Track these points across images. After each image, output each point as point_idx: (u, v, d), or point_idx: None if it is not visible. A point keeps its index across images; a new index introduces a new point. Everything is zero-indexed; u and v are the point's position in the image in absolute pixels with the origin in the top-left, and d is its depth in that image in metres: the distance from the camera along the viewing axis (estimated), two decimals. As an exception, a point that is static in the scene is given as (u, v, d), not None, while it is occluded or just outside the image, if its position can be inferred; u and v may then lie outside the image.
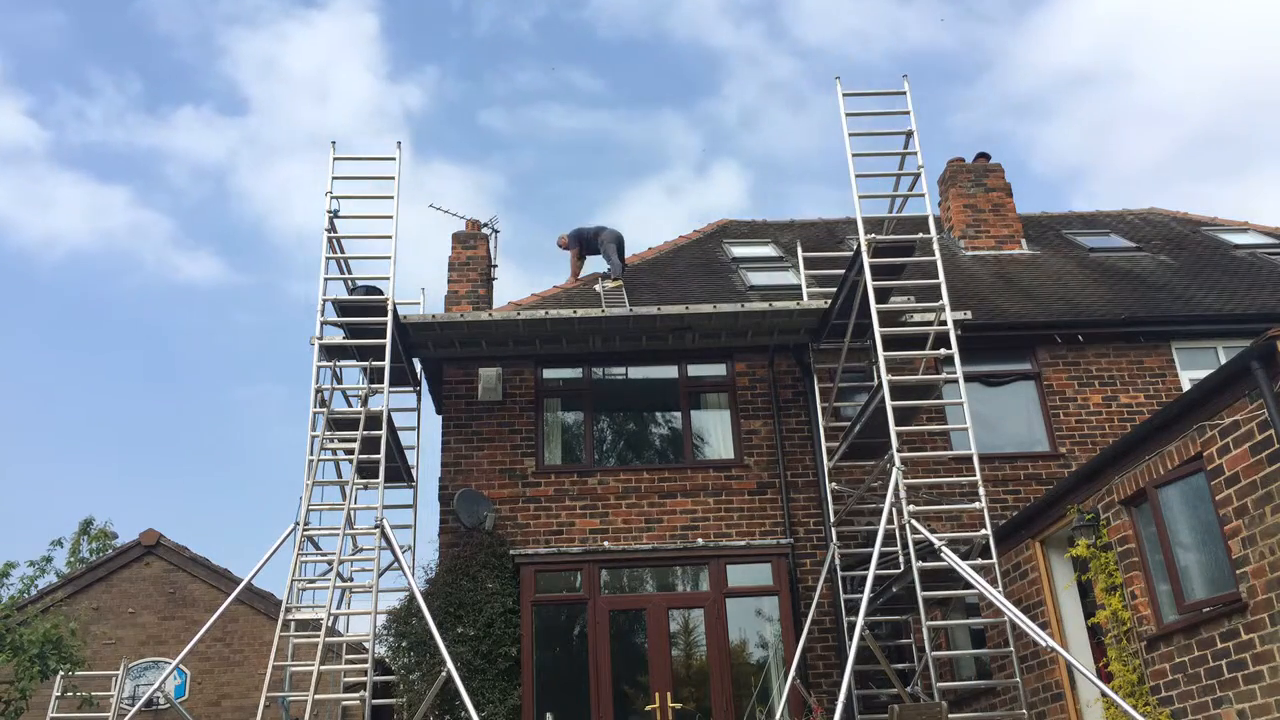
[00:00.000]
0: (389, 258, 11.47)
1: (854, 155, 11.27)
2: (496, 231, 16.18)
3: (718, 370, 13.30)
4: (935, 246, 10.87)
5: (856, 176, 11.17)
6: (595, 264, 15.01)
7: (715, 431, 13.15)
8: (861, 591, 9.47)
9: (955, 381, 10.51)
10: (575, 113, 76.76)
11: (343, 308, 11.37)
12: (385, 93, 76.20)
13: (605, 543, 12.07)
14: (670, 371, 13.34)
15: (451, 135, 77.96)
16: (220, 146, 66.04)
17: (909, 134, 11.28)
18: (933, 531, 9.55)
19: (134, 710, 10.35)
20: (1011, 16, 70.19)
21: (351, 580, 11.11)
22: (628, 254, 14.88)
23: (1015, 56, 70.76)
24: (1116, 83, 65.79)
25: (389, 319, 11.19)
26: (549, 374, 13.30)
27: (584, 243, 14.85)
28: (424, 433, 14.58)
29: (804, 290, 12.66)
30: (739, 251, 16.10)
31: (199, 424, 51.64)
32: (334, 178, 11.66)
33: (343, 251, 11.81)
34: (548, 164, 78.09)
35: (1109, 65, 64.68)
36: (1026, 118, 72.42)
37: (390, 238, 11.53)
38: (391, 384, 11.29)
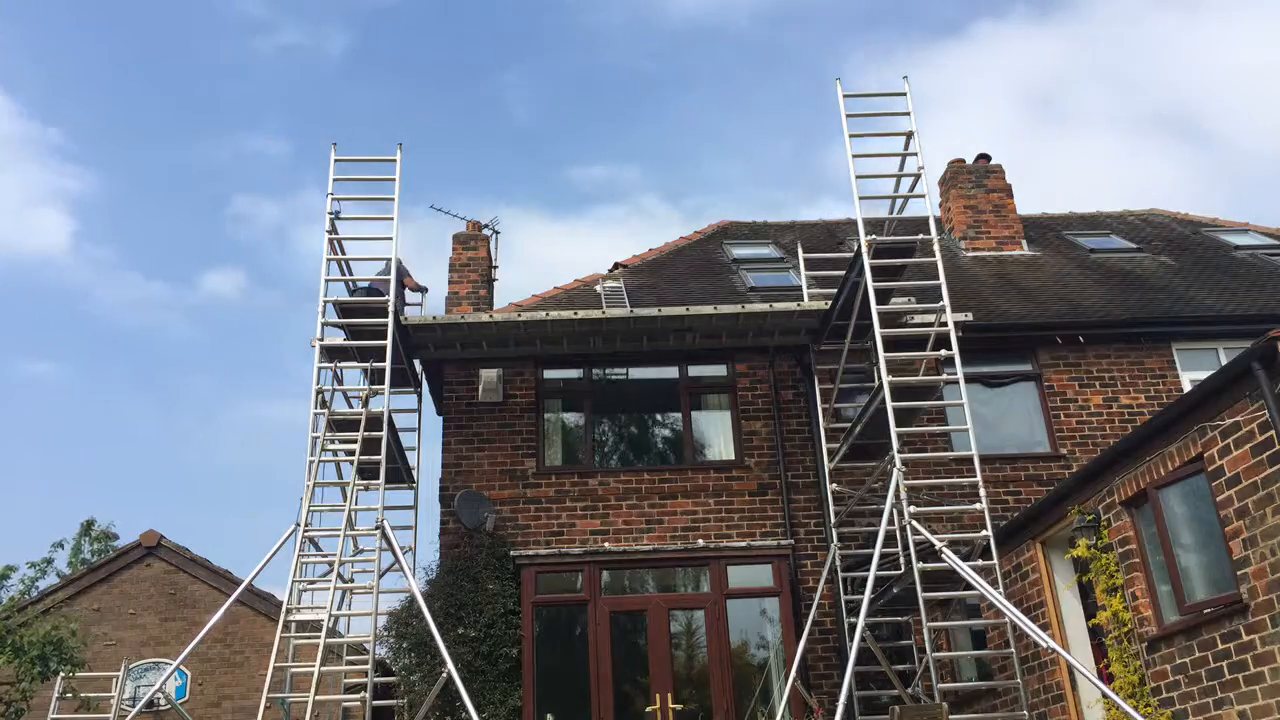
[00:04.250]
0: (390, 259, 11.47)
1: (854, 156, 11.27)
2: (497, 233, 16.21)
3: (718, 371, 13.31)
4: (936, 247, 10.86)
5: (857, 177, 11.17)
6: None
7: (716, 432, 13.15)
8: (862, 592, 9.47)
9: (956, 382, 10.51)
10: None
11: (343, 309, 11.38)
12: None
13: (606, 544, 12.07)
14: (671, 372, 13.34)
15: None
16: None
17: (909, 135, 11.28)
18: (933, 533, 9.55)
19: (134, 711, 10.35)
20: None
21: (352, 581, 11.11)
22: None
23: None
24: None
25: (390, 320, 11.20)
26: (549, 375, 13.31)
27: None
28: (425, 434, 14.58)
29: (805, 291, 12.65)
30: (740, 252, 16.11)
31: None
32: (334, 179, 11.67)
33: (343, 253, 11.82)
34: None
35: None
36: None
37: (391, 239, 11.54)
38: (392, 385, 11.29)
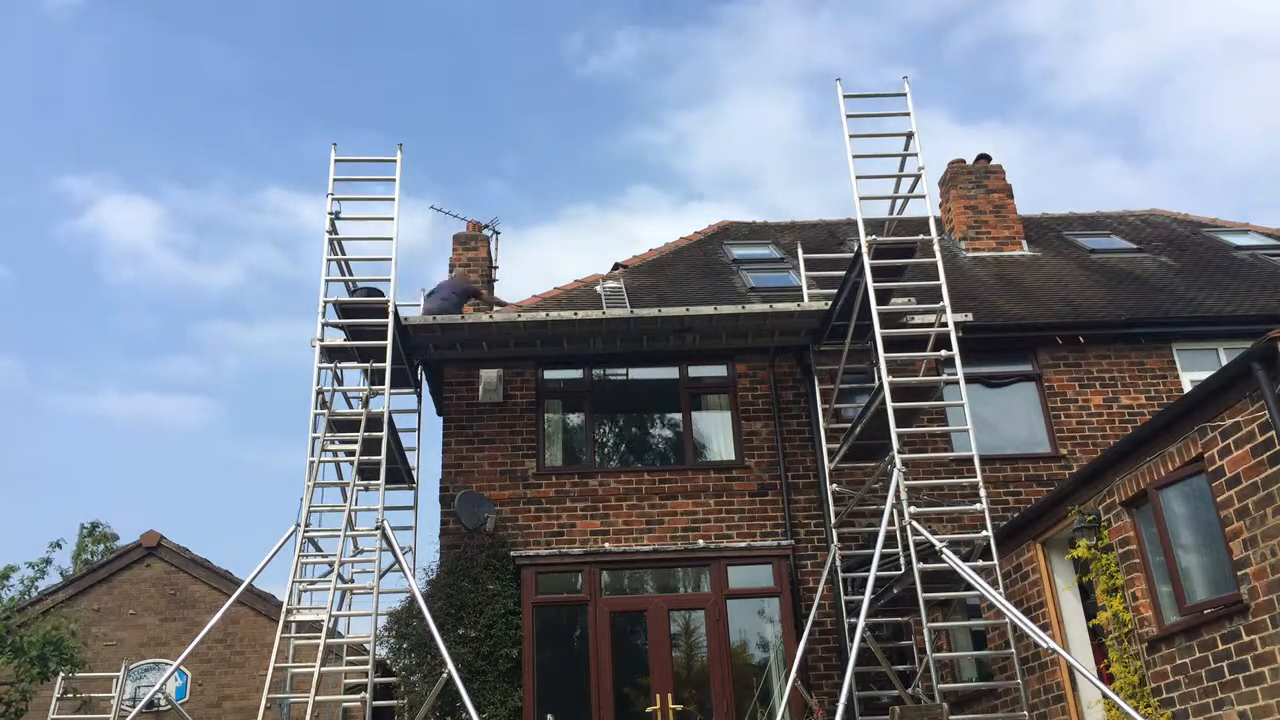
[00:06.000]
0: (390, 259, 11.47)
1: (854, 156, 11.27)
2: (497, 233, 16.20)
3: (718, 371, 13.30)
4: (936, 248, 10.86)
5: (857, 178, 11.17)
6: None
7: (716, 433, 13.15)
8: (862, 593, 9.46)
9: (956, 383, 10.51)
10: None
11: (343, 309, 11.38)
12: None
13: (606, 544, 12.07)
14: (671, 373, 13.34)
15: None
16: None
17: (909, 135, 11.28)
18: (934, 533, 9.55)
19: (135, 712, 10.34)
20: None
21: (352, 582, 11.11)
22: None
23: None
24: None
25: (390, 320, 11.20)
26: (550, 375, 13.30)
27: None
28: (425, 434, 14.59)
29: (805, 291, 12.65)
30: (740, 253, 16.11)
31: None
32: (334, 179, 11.67)
33: (343, 253, 11.82)
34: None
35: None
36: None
37: (391, 239, 11.54)
38: (392, 385, 11.29)
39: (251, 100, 69.25)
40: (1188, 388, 12.28)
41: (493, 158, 78.50)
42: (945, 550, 9.22)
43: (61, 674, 11.99)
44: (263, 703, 9.58)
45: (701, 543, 11.99)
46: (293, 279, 70.11)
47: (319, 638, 9.77)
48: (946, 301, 10.75)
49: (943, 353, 10.70)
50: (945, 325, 10.68)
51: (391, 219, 11.65)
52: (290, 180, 72.57)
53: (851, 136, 11.32)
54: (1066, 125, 71.65)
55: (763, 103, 73.02)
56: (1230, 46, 64.46)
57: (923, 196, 11.28)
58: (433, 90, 73.78)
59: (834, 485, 11.80)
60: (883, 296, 10.86)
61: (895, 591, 10.19)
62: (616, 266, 15.63)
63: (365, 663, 10.56)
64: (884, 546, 9.69)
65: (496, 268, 16.00)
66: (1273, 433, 6.54)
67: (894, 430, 10.04)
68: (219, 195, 68.55)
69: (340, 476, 11.30)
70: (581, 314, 12.36)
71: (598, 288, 14.15)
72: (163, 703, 13.50)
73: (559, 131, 77.20)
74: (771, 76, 73.79)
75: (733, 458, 12.82)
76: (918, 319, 11.53)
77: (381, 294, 11.47)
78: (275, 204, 69.48)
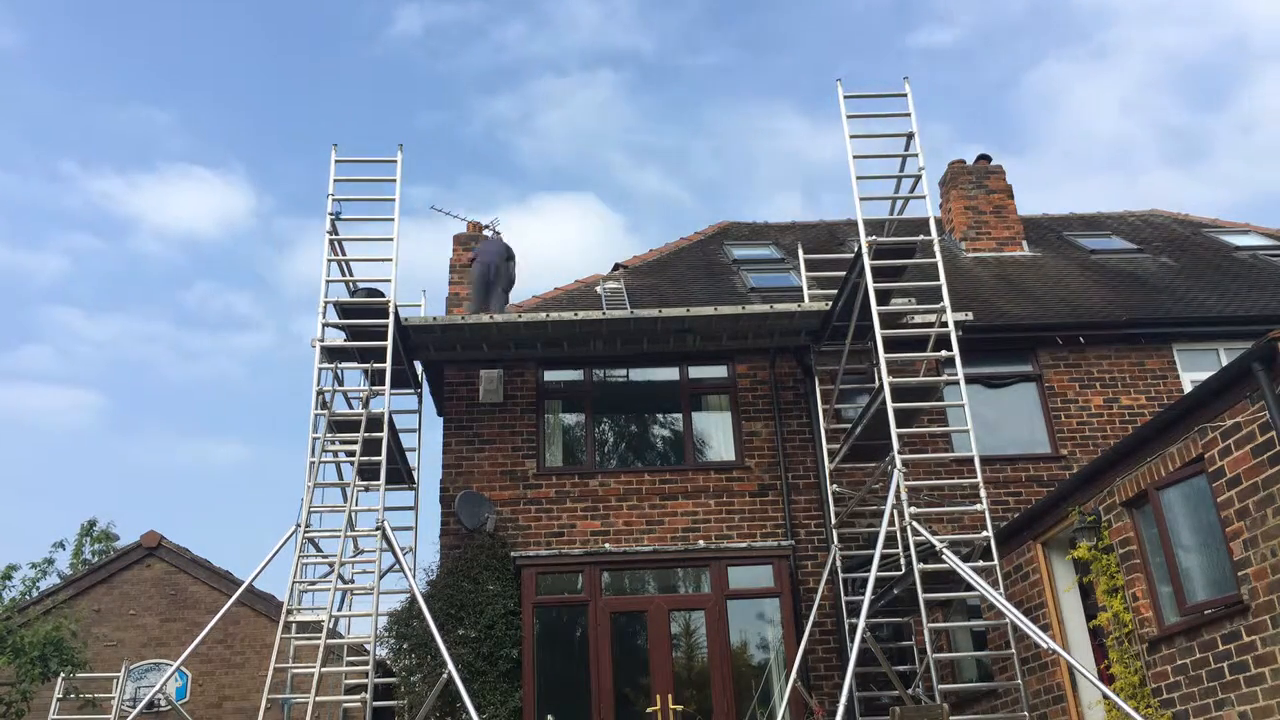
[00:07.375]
0: (390, 260, 11.48)
1: (855, 157, 11.27)
2: (498, 233, 16.18)
3: (719, 372, 13.31)
4: (936, 248, 10.87)
5: (857, 178, 11.18)
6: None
7: (716, 433, 13.15)
8: (863, 593, 9.47)
9: (956, 383, 10.51)
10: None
11: (344, 309, 11.38)
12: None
13: (606, 544, 12.07)
14: (671, 373, 13.34)
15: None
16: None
17: (910, 136, 11.28)
18: (934, 533, 9.56)
19: (135, 712, 10.35)
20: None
21: (353, 582, 11.12)
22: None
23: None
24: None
25: (390, 321, 11.20)
26: (550, 376, 13.31)
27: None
28: (425, 435, 14.60)
29: (805, 292, 12.66)
30: (740, 253, 16.12)
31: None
32: (335, 180, 11.68)
33: (344, 253, 11.82)
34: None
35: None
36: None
37: (391, 240, 11.54)
38: (392, 386, 11.30)
39: (38, 71, 61.81)
40: (1188, 388, 12.28)
41: (290, 140, 71.89)
42: (945, 551, 9.22)
43: (62, 674, 11.99)
44: (263, 703, 9.59)
45: (702, 543, 11.99)
46: (120, 270, 65.35)
47: (319, 638, 9.78)
48: (947, 302, 10.76)
49: (943, 353, 10.71)
50: (945, 325, 10.69)
51: (392, 219, 11.66)
52: (93, 158, 65.95)
53: (852, 137, 11.33)
54: (923, 116, 70.07)
55: (576, 88, 70.33)
56: (1077, 18, 63.20)
57: (923, 197, 11.29)
58: (219, 60, 66.34)
59: (834, 485, 11.81)
60: (883, 297, 10.87)
61: (895, 592, 10.19)
62: (617, 267, 15.64)
63: (365, 663, 10.56)
64: (884, 547, 9.69)
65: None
66: (1273, 433, 6.54)
67: (894, 430, 10.05)
68: (24, 174, 62.31)
69: (340, 477, 11.31)
70: (582, 315, 12.36)
71: (598, 288, 14.16)
72: (163, 703, 13.50)
73: (356, 115, 72.32)
74: (578, 61, 70.87)
75: (733, 458, 12.82)
76: (918, 319, 11.53)
77: (382, 294, 11.48)
78: (83, 183, 63.77)
